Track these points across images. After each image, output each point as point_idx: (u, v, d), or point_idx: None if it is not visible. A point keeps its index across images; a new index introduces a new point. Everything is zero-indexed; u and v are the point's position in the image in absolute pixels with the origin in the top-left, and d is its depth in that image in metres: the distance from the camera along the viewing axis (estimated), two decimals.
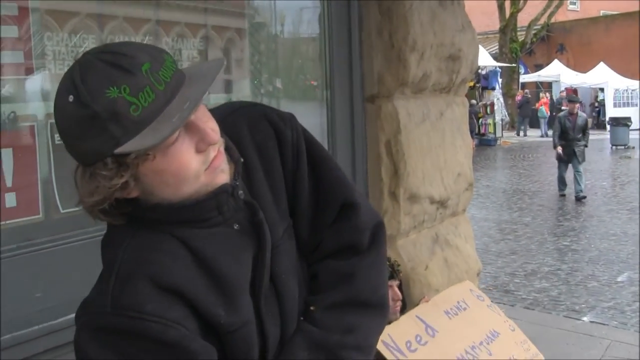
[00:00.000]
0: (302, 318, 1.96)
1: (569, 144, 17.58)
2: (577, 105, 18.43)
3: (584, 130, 17.94)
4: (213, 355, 1.72)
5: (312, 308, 1.96)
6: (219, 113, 1.84)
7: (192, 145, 1.69)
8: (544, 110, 39.77)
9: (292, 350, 1.90)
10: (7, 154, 2.98)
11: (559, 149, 17.73)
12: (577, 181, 17.47)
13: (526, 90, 41.41)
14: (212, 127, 1.72)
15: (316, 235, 2.02)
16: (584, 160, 17.80)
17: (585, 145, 18.05)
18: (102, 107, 1.56)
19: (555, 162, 18.31)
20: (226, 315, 1.74)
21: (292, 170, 1.99)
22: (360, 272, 1.99)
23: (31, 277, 2.93)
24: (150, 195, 1.73)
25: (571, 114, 17.96)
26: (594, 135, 36.20)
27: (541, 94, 41.28)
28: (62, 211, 3.19)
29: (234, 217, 1.83)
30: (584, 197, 17.24)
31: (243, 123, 1.97)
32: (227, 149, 1.83)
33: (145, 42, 3.60)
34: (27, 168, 3.07)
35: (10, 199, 2.99)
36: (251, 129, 1.97)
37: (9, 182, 2.98)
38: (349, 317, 1.95)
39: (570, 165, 17.67)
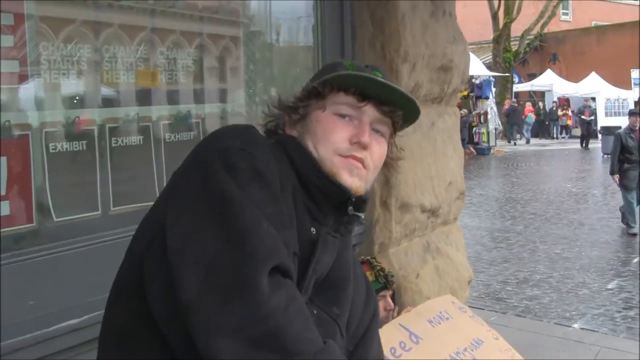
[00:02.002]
0: None
1: (633, 167, 14.18)
2: None
3: None
4: None
5: None
6: None
7: (349, 131, 1.97)
8: (532, 117, 41.08)
9: None
10: (2, 162, 2.99)
11: (616, 177, 14.52)
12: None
13: (514, 99, 41.64)
14: (373, 144, 2.00)
15: None
16: None
17: None
18: (330, 64, 2.12)
19: (548, 171, 17.71)
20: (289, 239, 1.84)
21: (372, 315, 2.26)
22: None
23: (25, 285, 2.94)
24: (301, 139, 2.02)
25: (633, 129, 14.52)
26: None
27: (527, 103, 41.75)
28: (55, 220, 3.21)
29: (322, 223, 2.00)
30: (635, 234, 14.03)
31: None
32: (365, 201, 2.06)
33: (139, 50, 3.64)
34: (21, 176, 3.08)
35: (4, 207, 3.00)
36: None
37: (2, 191, 2.99)
38: None
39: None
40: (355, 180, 1.96)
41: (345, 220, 2.04)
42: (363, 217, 2.09)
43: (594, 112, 38.70)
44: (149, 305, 1.71)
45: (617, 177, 14.51)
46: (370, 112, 1.96)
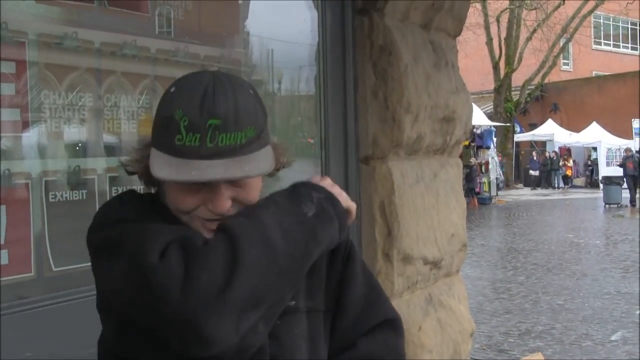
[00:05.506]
0: None
1: None
2: None
3: None
4: None
5: None
6: None
7: (202, 199, 1.79)
8: None
9: None
10: (1, 210, 2.97)
11: None
12: None
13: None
14: (239, 192, 1.81)
15: (350, 336, 2.09)
16: None
17: None
18: (164, 116, 1.76)
19: (550, 221, 17.38)
20: None
21: (342, 267, 2.10)
22: None
23: (22, 336, 2.90)
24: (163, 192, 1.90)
25: None
26: (586, 194, 36.49)
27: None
28: (54, 269, 3.18)
29: None
30: None
31: None
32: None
33: (142, 99, 3.63)
34: (20, 225, 3.06)
35: (2, 256, 2.98)
36: None
37: (1, 239, 2.97)
38: None
39: None
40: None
41: None
42: None
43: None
44: None
45: None
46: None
